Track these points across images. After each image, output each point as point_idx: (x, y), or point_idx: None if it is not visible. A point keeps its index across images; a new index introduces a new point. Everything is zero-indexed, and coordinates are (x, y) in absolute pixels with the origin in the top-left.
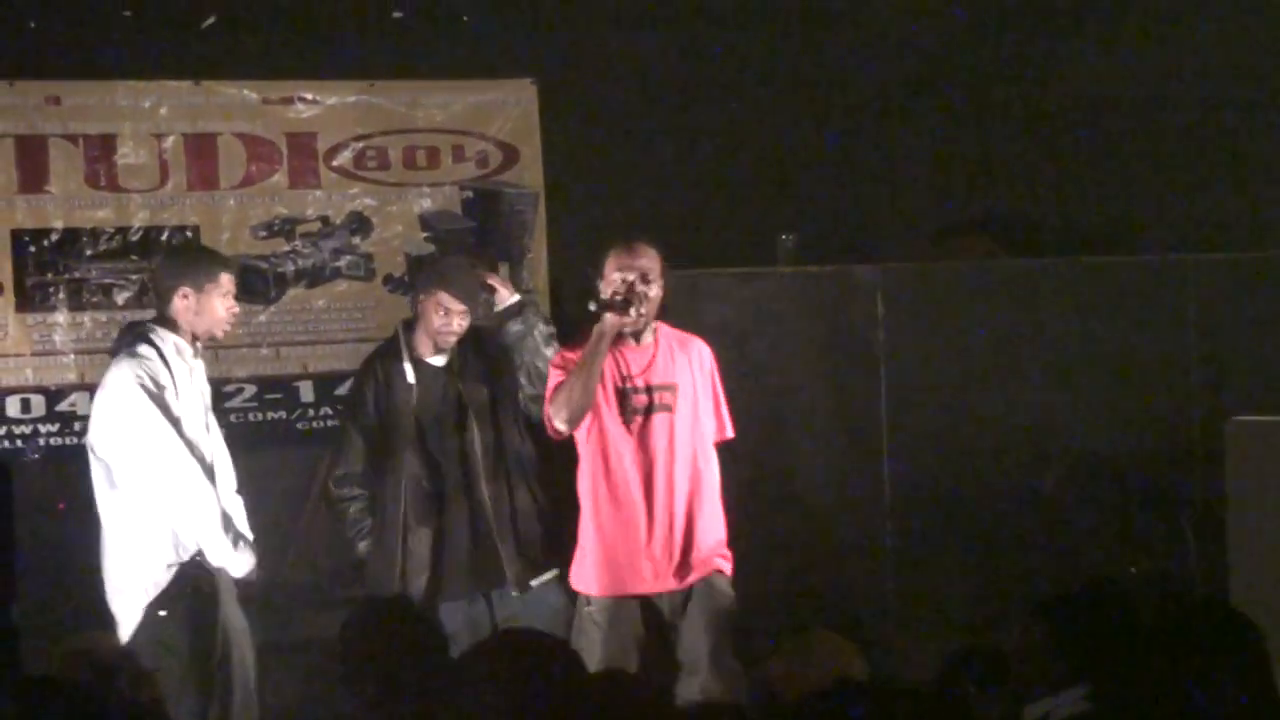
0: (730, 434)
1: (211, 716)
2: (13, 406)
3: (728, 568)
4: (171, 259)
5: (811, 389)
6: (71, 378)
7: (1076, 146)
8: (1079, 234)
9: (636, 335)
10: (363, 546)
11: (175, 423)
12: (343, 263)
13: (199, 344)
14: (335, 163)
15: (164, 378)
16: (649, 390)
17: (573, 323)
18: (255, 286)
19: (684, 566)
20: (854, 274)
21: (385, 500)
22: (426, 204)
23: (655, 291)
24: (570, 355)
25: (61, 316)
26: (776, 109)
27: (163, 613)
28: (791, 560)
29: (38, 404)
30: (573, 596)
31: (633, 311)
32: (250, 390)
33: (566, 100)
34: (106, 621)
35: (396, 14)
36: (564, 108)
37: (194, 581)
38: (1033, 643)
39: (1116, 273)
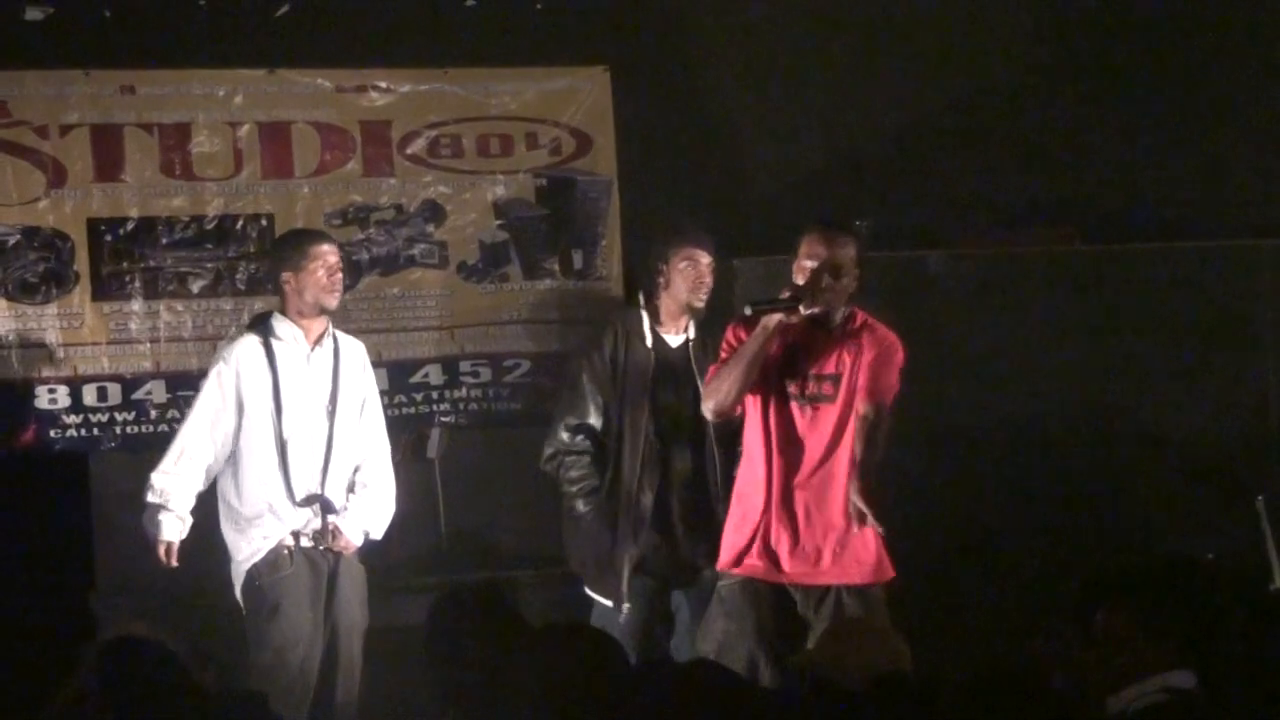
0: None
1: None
2: (89, 395)
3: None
4: (270, 251)
5: None
6: (147, 366)
7: (1154, 131)
8: (1154, 220)
9: (822, 322)
10: (582, 506)
11: (238, 402)
12: (417, 250)
13: (330, 328)
14: (409, 151)
15: (255, 365)
16: (818, 379)
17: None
18: None
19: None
20: (927, 260)
21: (622, 456)
22: (500, 191)
23: (845, 283)
24: (742, 334)
25: (137, 305)
26: (850, 94)
27: (258, 583)
28: None
29: (114, 392)
30: None
31: (803, 308)
32: None
33: (640, 87)
34: (179, 609)
35: (470, 2)
36: (637, 94)
37: (301, 557)
38: (1120, 626)
39: (1191, 258)
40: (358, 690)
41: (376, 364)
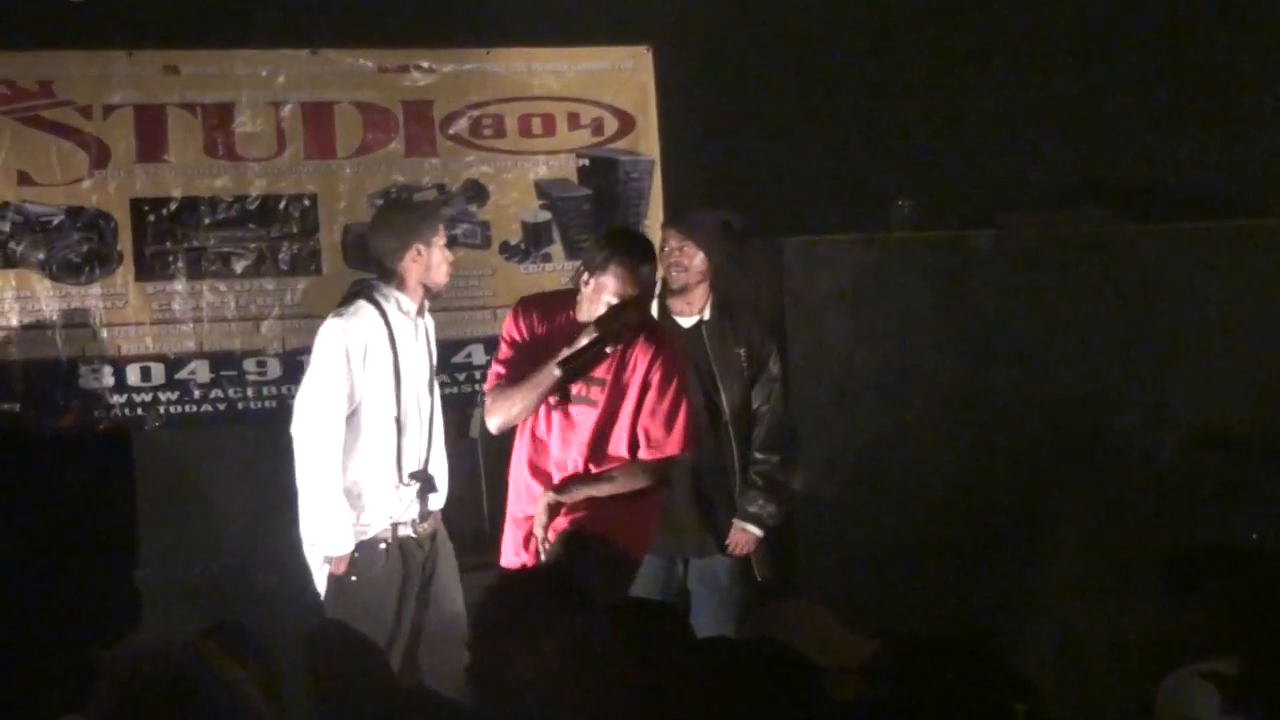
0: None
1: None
2: (133, 375)
3: None
4: (395, 217)
5: (928, 355)
6: (190, 346)
7: (1199, 110)
8: (1200, 199)
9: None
10: None
11: (365, 379)
12: (459, 230)
13: (427, 301)
14: (451, 130)
15: (376, 335)
16: (586, 382)
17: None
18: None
19: None
20: (971, 240)
21: None
22: (542, 171)
23: (647, 312)
24: (522, 325)
25: (180, 285)
26: (894, 73)
27: (353, 578)
28: (905, 521)
29: (157, 372)
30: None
31: (609, 350)
32: None
33: (682, 67)
34: (226, 589)
35: None
36: (680, 74)
37: (396, 551)
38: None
39: (1238, 237)
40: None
41: None
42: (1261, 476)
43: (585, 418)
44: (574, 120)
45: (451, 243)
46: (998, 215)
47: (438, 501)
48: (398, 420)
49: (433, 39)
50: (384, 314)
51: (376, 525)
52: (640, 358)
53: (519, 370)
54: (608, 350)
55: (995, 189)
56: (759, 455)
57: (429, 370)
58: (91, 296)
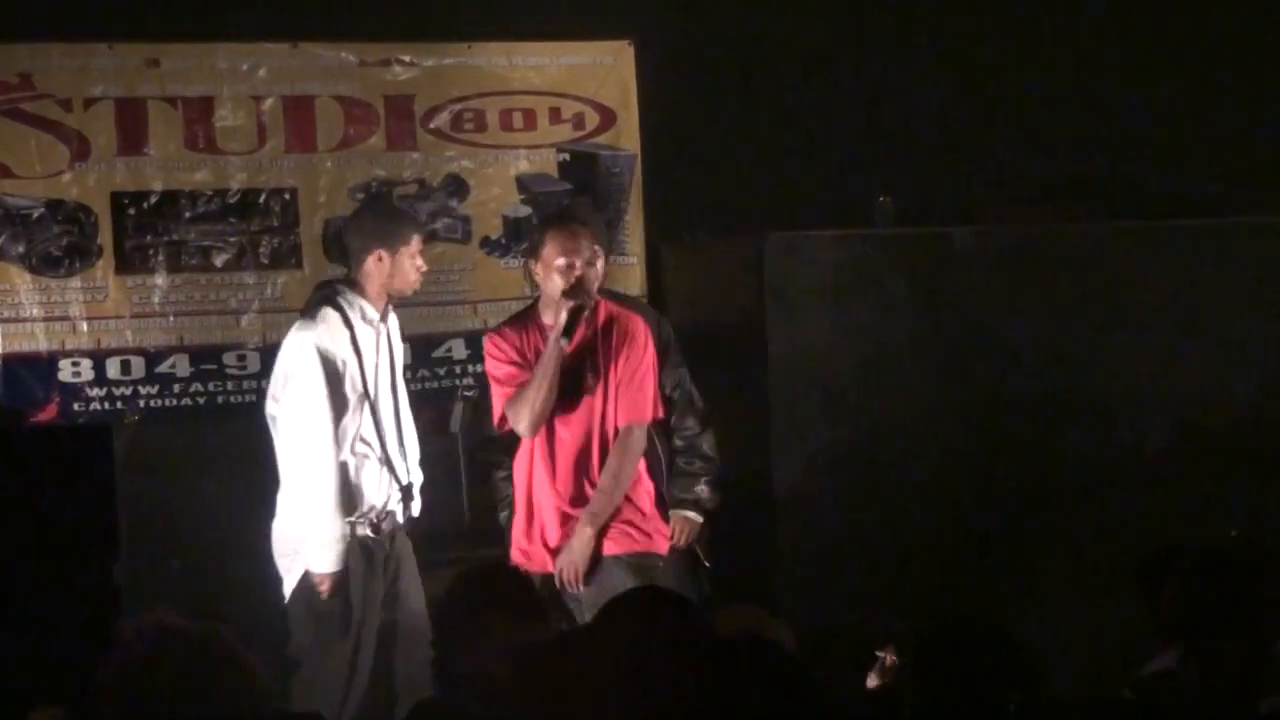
0: (654, 415)
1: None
2: (112, 368)
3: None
4: (362, 220)
5: (908, 352)
6: (170, 340)
7: (1182, 106)
8: (1182, 196)
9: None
10: (504, 517)
11: (345, 391)
12: (440, 225)
13: (391, 305)
14: (432, 125)
15: (343, 344)
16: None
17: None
18: None
19: None
20: (952, 237)
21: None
22: (523, 166)
23: (600, 270)
24: (505, 347)
25: (160, 279)
26: (874, 70)
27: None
28: (887, 518)
29: (137, 366)
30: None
31: (587, 311)
32: None
33: (664, 62)
34: (205, 582)
35: None
36: (661, 70)
37: (357, 549)
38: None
39: (1217, 235)
40: (425, 673)
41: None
42: (1242, 473)
43: (591, 404)
44: (555, 115)
45: (432, 237)
46: (978, 212)
47: (415, 508)
48: (372, 425)
49: (414, 33)
50: (348, 321)
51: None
52: (615, 330)
53: (521, 376)
54: (586, 312)
55: (976, 186)
56: (679, 440)
57: (392, 374)
58: (71, 290)
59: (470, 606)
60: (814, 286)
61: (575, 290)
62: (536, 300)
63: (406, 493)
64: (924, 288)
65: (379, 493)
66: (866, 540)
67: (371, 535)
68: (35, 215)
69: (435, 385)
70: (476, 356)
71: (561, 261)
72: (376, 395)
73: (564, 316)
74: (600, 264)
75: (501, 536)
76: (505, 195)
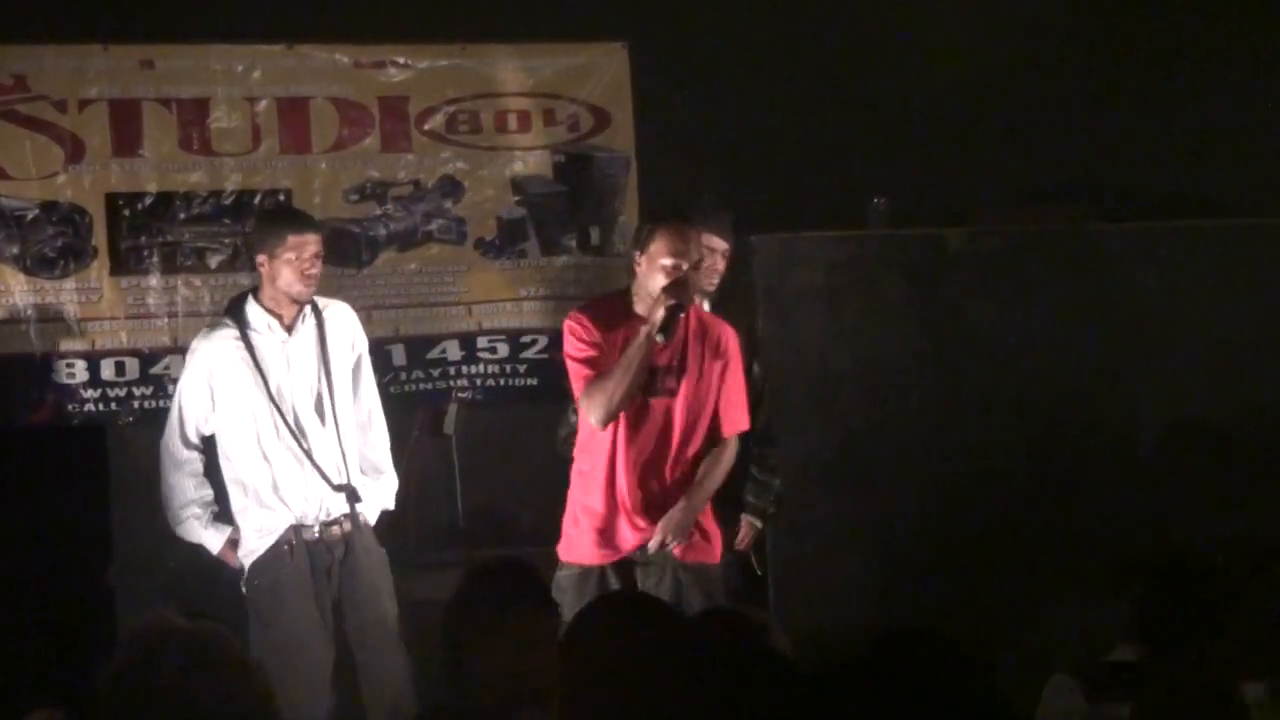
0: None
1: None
2: (107, 369)
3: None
4: (253, 227)
5: (903, 352)
6: (165, 341)
7: (1174, 108)
8: (1174, 197)
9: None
10: None
11: (206, 398)
12: (434, 226)
13: (313, 310)
14: (427, 126)
15: (231, 354)
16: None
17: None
18: (347, 250)
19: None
20: (946, 238)
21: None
22: (518, 168)
23: (718, 266)
24: (590, 328)
25: (155, 280)
26: (869, 71)
27: (256, 581)
28: (881, 519)
29: (132, 367)
30: None
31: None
32: None
33: (658, 63)
34: (199, 583)
35: None
36: (655, 71)
37: (303, 549)
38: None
39: (1213, 237)
40: (396, 680)
41: (394, 339)
42: (1239, 474)
43: (670, 407)
44: (550, 116)
45: (427, 239)
46: (972, 213)
47: (372, 509)
48: (286, 428)
49: (409, 35)
50: (244, 331)
51: (280, 527)
52: (706, 338)
53: (604, 362)
54: (681, 314)
55: (970, 187)
56: (756, 450)
57: (316, 378)
58: (66, 291)
59: (483, 603)
60: (808, 287)
61: (677, 289)
62: (627, 289)
63: (351, 495)
64: (918, 289)
65: (303, 495)
66: (861, 539)
67: (318, 538)
68: (30, 216)
69: (429, 387)
70: (471, 358)
71: (668, 261)
72: (287, 399)
73: (661, 314)
74: (719, 261)
75: (497, 537)
76: (500, 197)
